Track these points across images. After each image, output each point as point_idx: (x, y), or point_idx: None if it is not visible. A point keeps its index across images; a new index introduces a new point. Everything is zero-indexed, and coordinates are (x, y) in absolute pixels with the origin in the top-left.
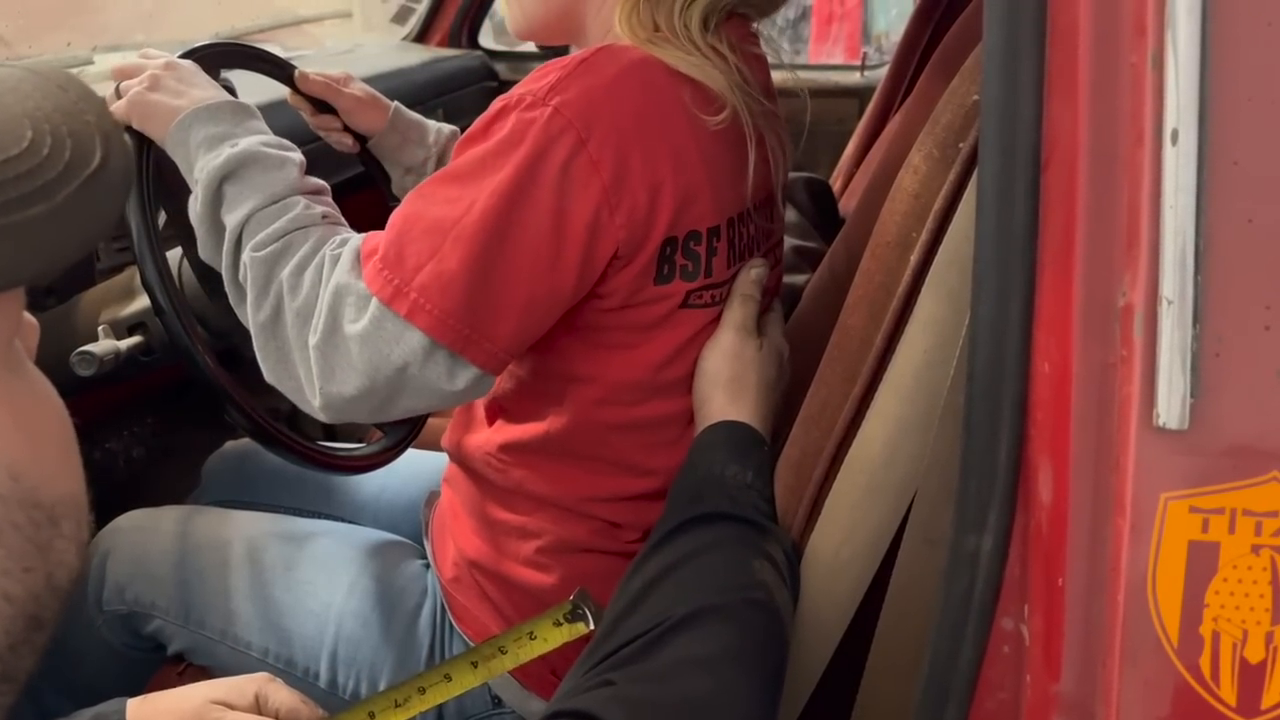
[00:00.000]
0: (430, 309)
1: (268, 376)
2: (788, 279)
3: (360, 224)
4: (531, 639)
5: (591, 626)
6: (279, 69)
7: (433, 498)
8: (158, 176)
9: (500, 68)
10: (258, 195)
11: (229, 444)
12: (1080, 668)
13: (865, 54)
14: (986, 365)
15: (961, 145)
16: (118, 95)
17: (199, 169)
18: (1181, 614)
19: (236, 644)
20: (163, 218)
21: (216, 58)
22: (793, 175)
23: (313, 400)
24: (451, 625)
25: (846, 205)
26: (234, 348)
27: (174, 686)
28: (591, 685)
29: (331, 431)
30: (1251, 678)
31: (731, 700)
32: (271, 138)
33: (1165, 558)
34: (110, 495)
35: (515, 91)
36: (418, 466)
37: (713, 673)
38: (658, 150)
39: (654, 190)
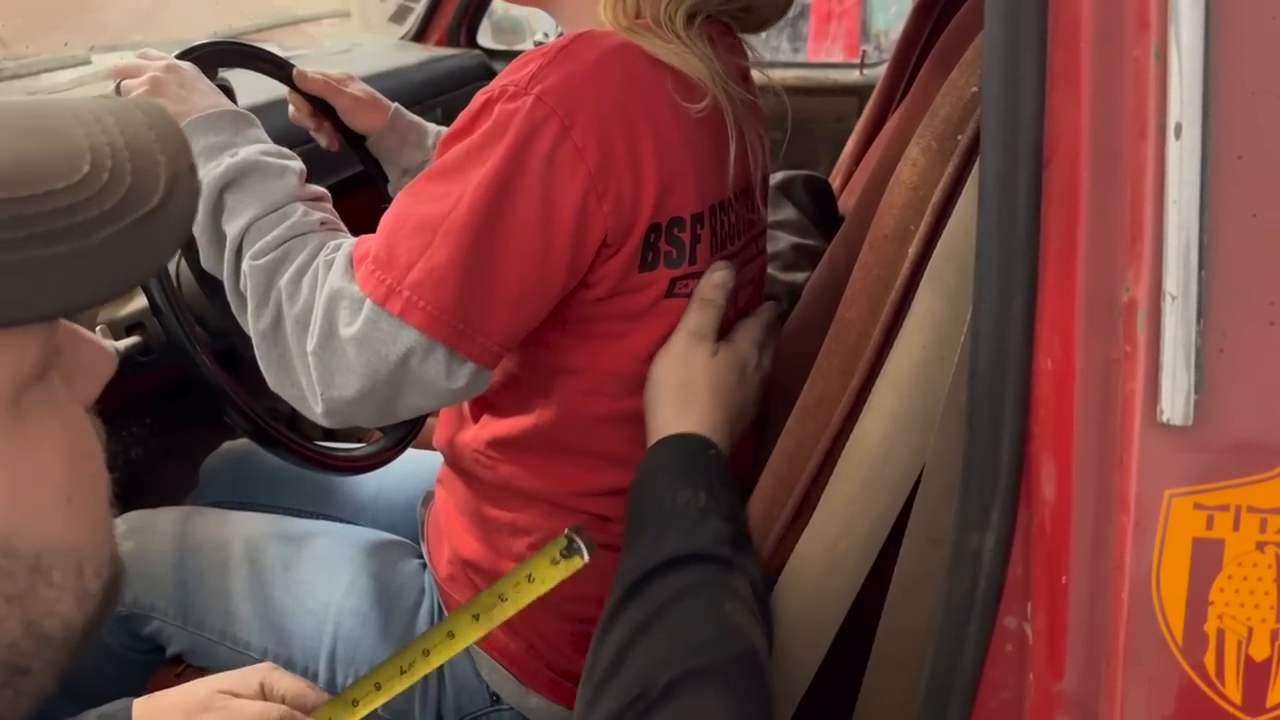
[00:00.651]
0: (424, 306)
1: (271, 384)
2: (787, 276)
3: (358, 224)
4: (530, 581)
5: (586, 559)
6: (278, 68)
7: (428, 498)
8: None
9: (499, 67)
10: (257, 204)
11: (227, 444)
12: (1084, 666)
13: (864, 52)
14: (989, 363)
15: (960, 137)
16: (118, 95)
17: (200, 179)
18: (1186, 612)
19: (236, 644)
20: None
21: (215, 57)
22: (792, 173)
23: (315, 406)
24: None
25: (846, 203)
26: (233, 348)
27: (173, 687)
28: None
29: (331, 432)
30: (1257, 675)
31: None
32: (271, 146)
33: (1169, 555)
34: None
35: (496, 83)
36: (414, 466)
37: None
38: (641, 135)
39: (638, 175)
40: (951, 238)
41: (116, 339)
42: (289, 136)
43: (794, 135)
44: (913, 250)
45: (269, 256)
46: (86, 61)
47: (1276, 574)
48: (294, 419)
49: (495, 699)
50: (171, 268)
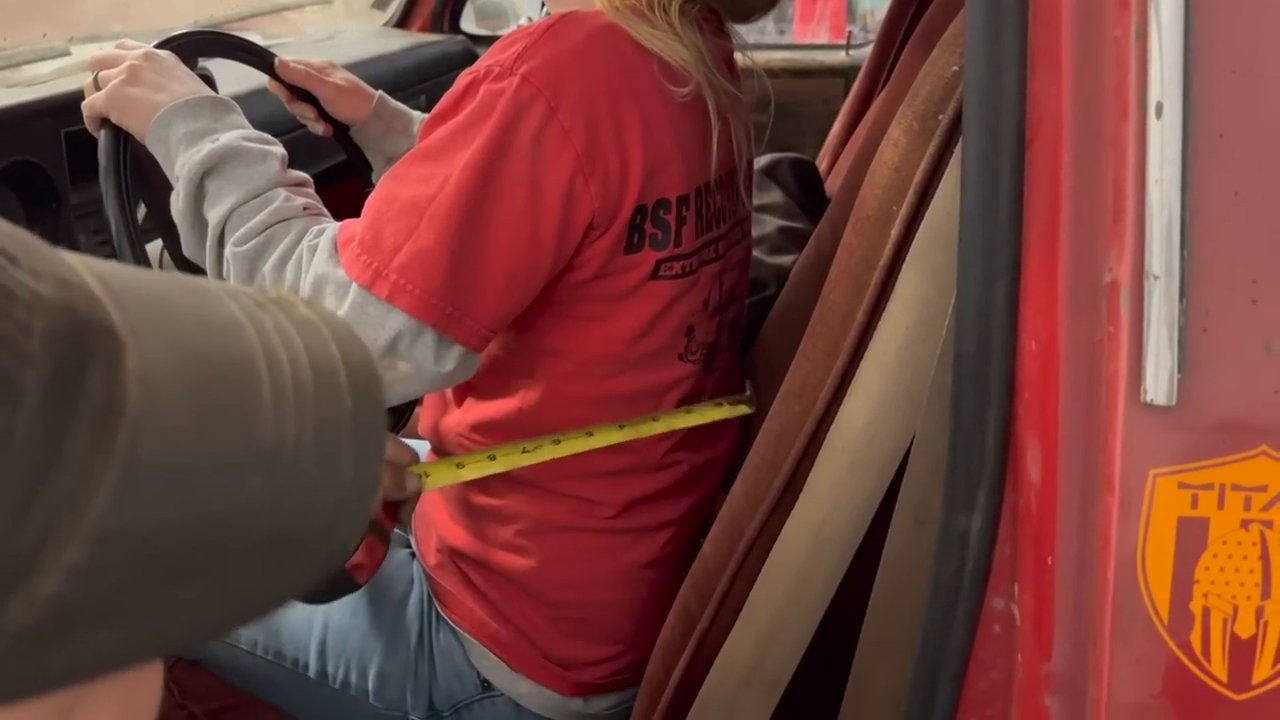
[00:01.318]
0: (412, 289)
1: None
2: (774, 260)
3: (342, 213)
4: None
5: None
6: (259, 58)
7: None
8: (136, 169)
9: (483, 52)
10: (239, 190)
11: None
12: (1071, 646)
13: (850, 33)
14: (973, 345)
15: (941, 117)
16: (96, 87)
17: (180, 165)
18: (1171, 590)
19: (225, 637)
20: (142, 210)
21: (195, 47)
22: (778, 156)
23: None
24: (438, 613)
25: (833, 185)
26: None
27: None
28: None
29: None
30: (1242, 653)
31: None
32: (252, 132)
33: (1155, 534)
34: None
35: (482, 63)
36: None
37: None
38: (628, 116)
39: (625, 157)
40: (935, 218)
41: None
42: (271, 126)
43: (780, 118)
44: (895, 231)
45: (252, 243)
46: (66, 53)
47: (1261, 551)
48: None
49: (486, 685)
50: (154, 260)
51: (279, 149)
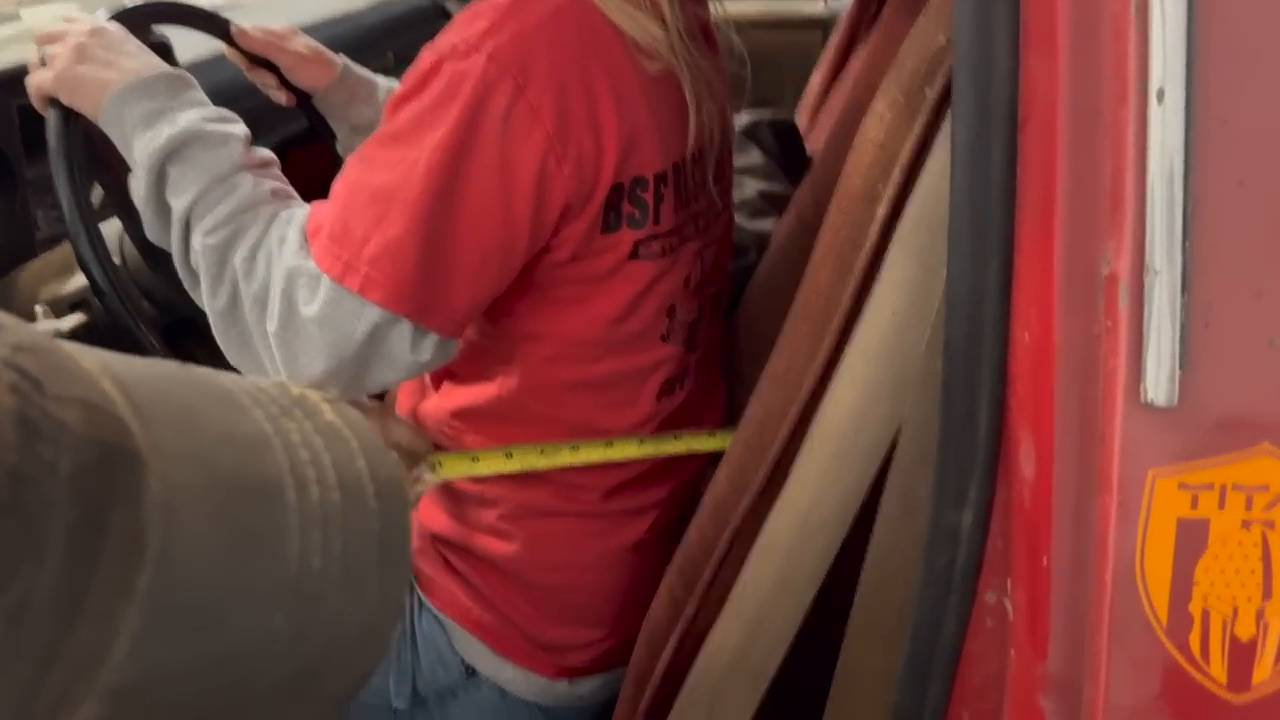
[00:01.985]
0: (383, 281)
1: (232, 361)
2: (754, 225)
3: (307, 181)
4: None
5: None
6: (215, 25)
7: None
8: (89, 148)
9: (454, 8)
10: (203, 176)
11: None
12: (1067, 647)
13: None
14: (963, 334)
15: (928, 91)
16: (42, 64)
17: (139, 149)
18: (1170, 592)
19: None
20: (97, 190)
21: (145, 18)
22: (758, 117)
23: None
24: (420, 599)
25: (813, 143)
26: (183, 319)
27: None
28: None
29: None
30: (1242, 655)
31: None
32: (212, 110)
33: (1154, 535)
34: None
35: (445, 40)
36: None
37: None
38: (599, 91)
39: (599, 134)
40: (922, 198)
41: (59, 316)
42: (232, 92)
43: (757, 70)
44: (881, 211)
45: (221, 234)
46: (16, 17)
47: (1262, 553)
48: None
49: (470, 671)
50: (113, 242)
51: (241, 128)
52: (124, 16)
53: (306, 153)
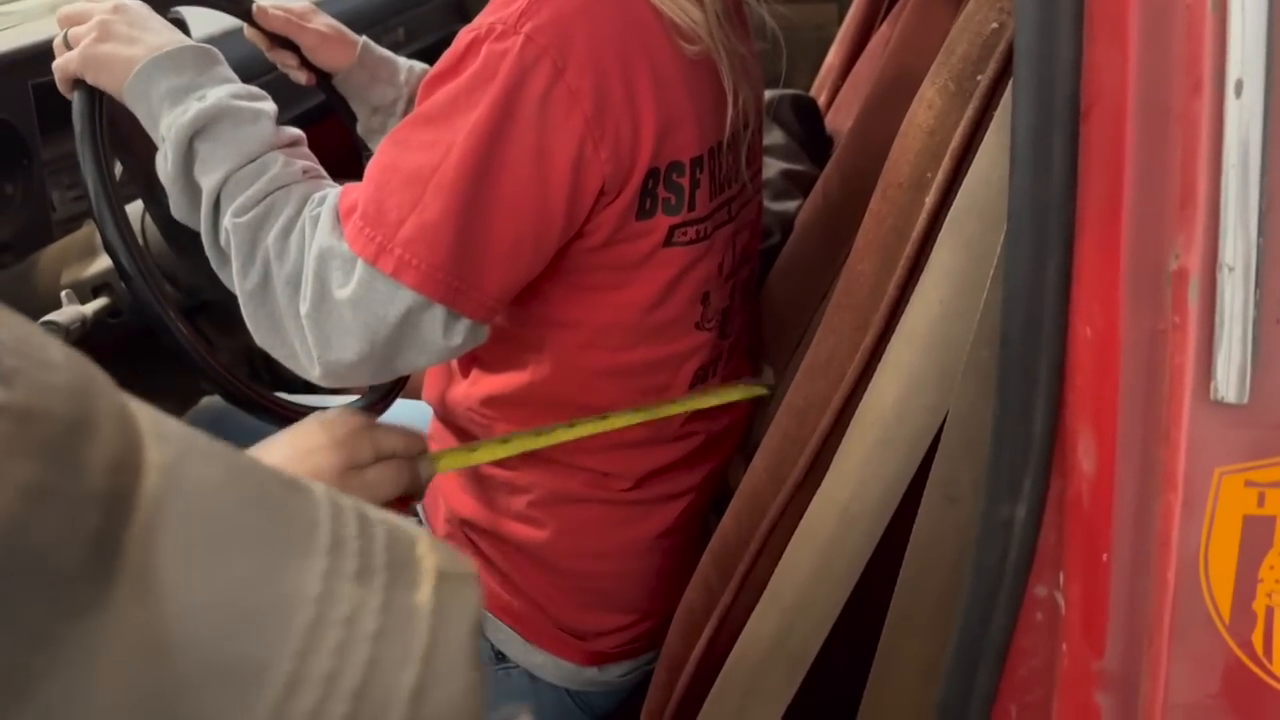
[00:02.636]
0: (417, 264)
1: (260, 342)
2: (778, 206)
3: (326, 155)
4: None
5: None
6: (235, 3)
7: None
8: (112, 127)
9: None
10: (233, 155)
11: (205, 401)
12: (1125, 644)
13: None
14: (1021, 327)
15: (980, 78)
16: (67, 46)
17: (165, 125)
18: (1234, 590)
19: None
20: (118, 169)
21: None
22: (778, 93)
23: (311, 369)
24: None
25: (833, 121)
26: (206, 303)
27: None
28: None
29: (312, 386)
30: None
31: None
32: (240, 87)
33: (1219, 533)
34: None
35: (484, 20)
36: (404, 420)
37: None
38: (638, 74)
39: (636, 118)
40: (972, 187)
41: (82, 302)
42: (249, 68)
43: (773, 46)
44: (930, 200)
45: (252, 213)
46: None
47: None
48: (272, 371)
49: (500, 657)
50: (135, 223)
51: (270, 105)
52: None
53: (318, 130)
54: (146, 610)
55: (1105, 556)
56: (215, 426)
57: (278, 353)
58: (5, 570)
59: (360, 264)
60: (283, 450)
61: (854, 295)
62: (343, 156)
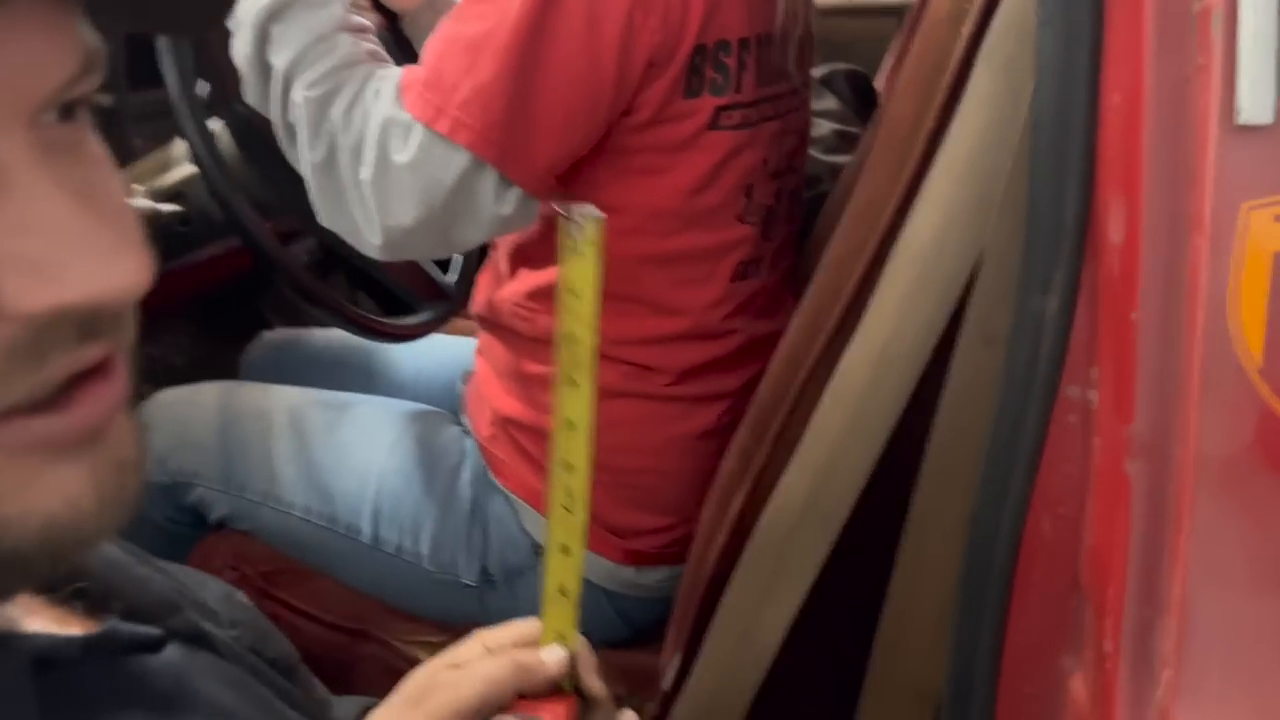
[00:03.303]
0: (472, 124)
1: (324, 220)
2: (829, 158)
3: None
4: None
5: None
6: None
7: (468, 375)
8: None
9: None
10: (305, 34)
11: (267, 334)
12: (1154, 406)
13: None
14: (1053, 108)
15: None
16: None
17: (244, 9)
18: (1266, 331)
19: (279, 505)
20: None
21: None
22: (834, 67)
23: (372, 239)
24: (491, 480)
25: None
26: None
27: (216, 553)
28: None
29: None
30: None
31: None
32: None
33: (1248, 273)
34: None
35: None
36: (453, 351)
37: None
38: None
39: None
40: (1010, 6)
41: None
42: None
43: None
44: (966, 29)
45: (320, 88)
46: None
47: None
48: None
49: (538, 550)
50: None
51: None
52: None
53: None
54: None
55: (1133, 315)
56: (276, 355)
57: (341, 227)
58: None
59: (419, 128)
60: None
61: (893, 137)
62: None
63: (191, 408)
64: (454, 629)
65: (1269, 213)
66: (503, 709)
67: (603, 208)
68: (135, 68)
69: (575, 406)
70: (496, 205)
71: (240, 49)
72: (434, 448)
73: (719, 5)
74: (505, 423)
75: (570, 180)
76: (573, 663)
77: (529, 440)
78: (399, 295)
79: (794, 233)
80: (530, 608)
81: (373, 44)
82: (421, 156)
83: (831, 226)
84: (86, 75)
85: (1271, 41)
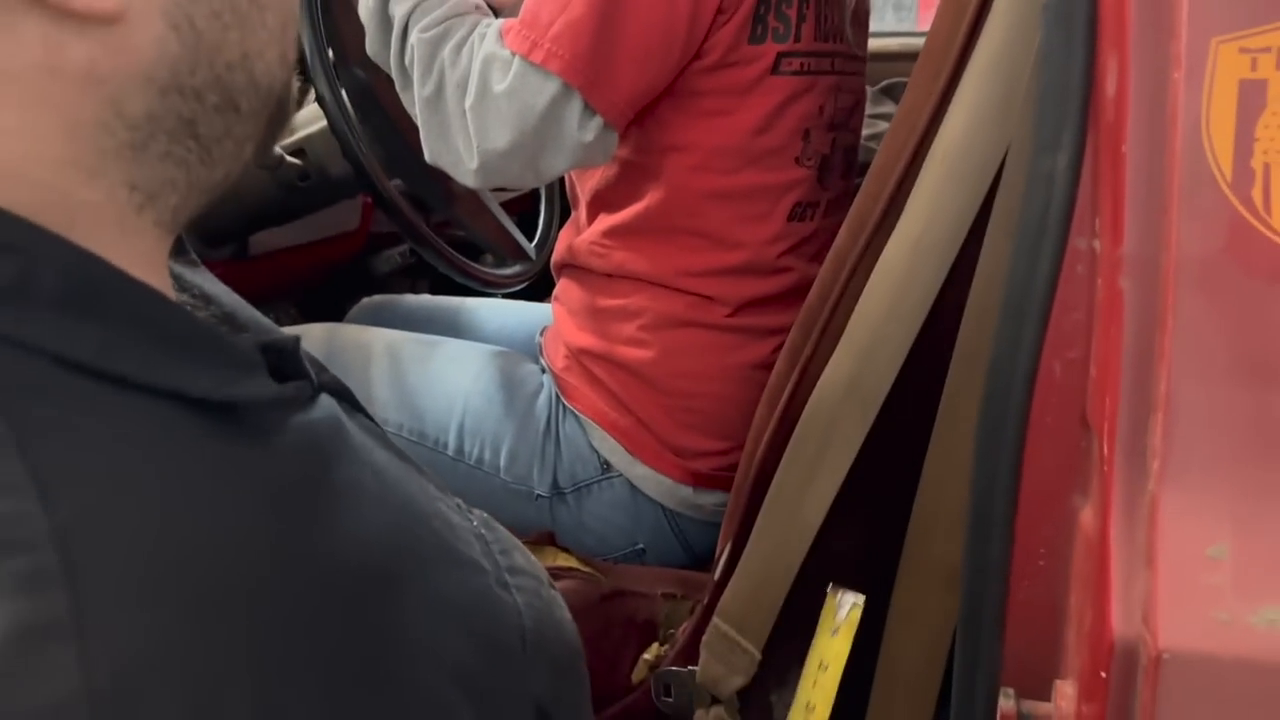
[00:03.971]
0: (562, 54)
1: (429, 154)
2: None
3: None
4: (823, 669)
5: (860, 602)
6: None
7: (545, 329)
8: (325, 7)
9: None
10: None
11: (365, 299)
12: (1142, 224)
13: None
14: None
15: None
16: None
17: None
18: (1234, 149)
19: None
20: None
21: None
22: (895, 79)
23: (470, 164)
24: (565, 404)
25: None
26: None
27: None
28: None
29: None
30: None
31: None
32: None
33: (1218, 98)
34: None
35: None
36: (531, 311)
37: None
38: None
39: None
40: None
41: (274, 168)
42: None
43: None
44: None
45: (433, 31)
46: None
47: None
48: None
49: (606, 466)
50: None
51: None
52: None
53: None
54: None
55: (1124, 148)
56: (374, 314)
57: (443, 160)
58: None
59: (516, 60)
60: None
61: (931, 52)
62: None
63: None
64: (524, 538)
65: (1234, 45)
66: None
67: (673, 147)
68: None
69: None
70: (580, 132)
71: (366, 4)
72: (514, 377)
73: None
74: (579, 353)
75: (645, 122)
76: None
77: (600, 368)
78: (491, 252)
79: (849, 189)
80: (594, 521)
81: (479, 1)
82: (517, 84)
83: None
84: None
85: None
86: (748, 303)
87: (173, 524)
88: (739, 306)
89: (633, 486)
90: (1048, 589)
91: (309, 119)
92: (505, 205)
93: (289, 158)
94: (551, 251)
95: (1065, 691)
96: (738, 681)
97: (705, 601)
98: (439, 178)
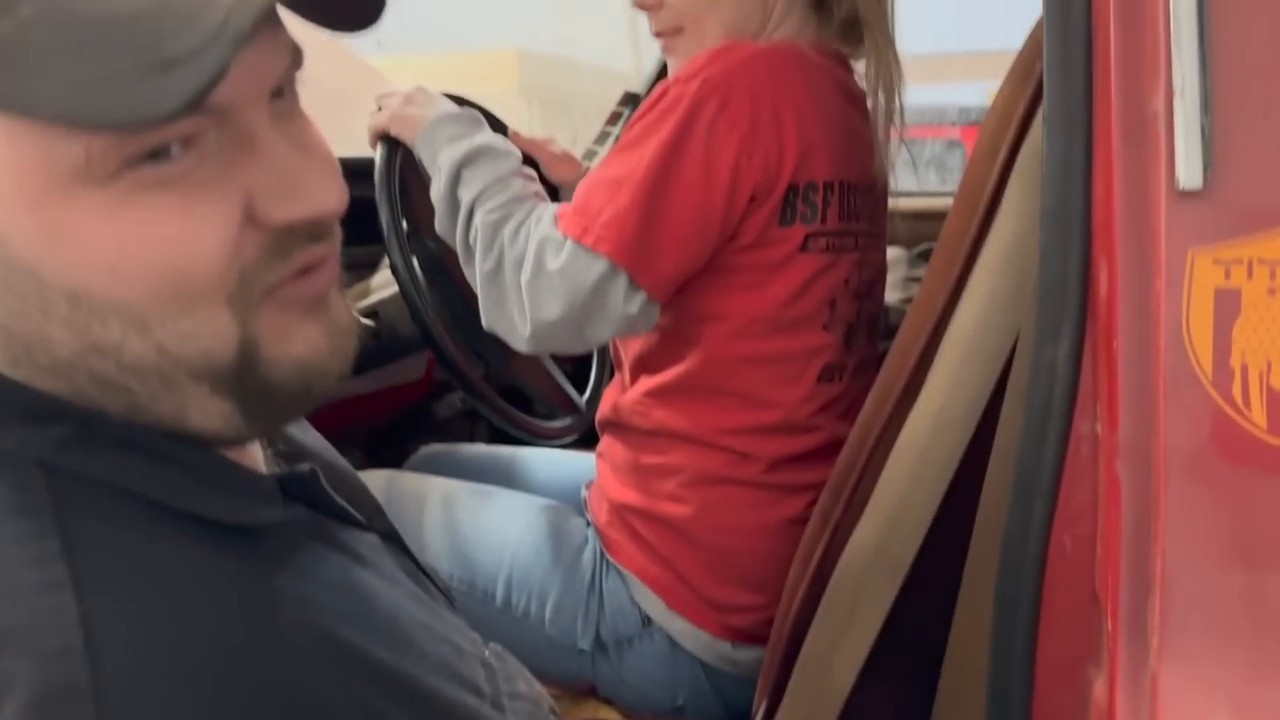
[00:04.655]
0: (611, 239)
1: (486, 322)
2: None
3: None
4: None
5: None
6: (497, 126)
7: (590, 483)
8: (401, 186)
9: None
10: (488, 177)
11: (424, 448)
12: (1134, 414)
13: None
14: (1058, 196)
15: (1038, 65)
16: (379, 110)
17: (443, 158)
18: (1214, 350)
19: None
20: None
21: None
22: (930, 245)
23: (523, 331)
24: (608, 560)
25: None
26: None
27: None
28: None
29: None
30: (1278, 402)
31: None
32: (498, 138)
33: (1196, 305)
34: None
35: (672, 76)
36: (578, 463)
37: None
38: (785, 110)
39: (782, 141)
40: (1034, 139)
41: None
42: None
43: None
44: (1002, 156)
45: (496, 214)
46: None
47: None
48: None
49: (646, 621)
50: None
51: (518, 151)
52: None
53: None
54: None
55: (1115, 344)
56: (431, 465)
57: (499, 327)
58: None
59: (569, 242)
60: None
61: (946, 244)
62: None
63: None
64: (567, 690)
65: (1209, 256)
66: None
67: (711, 315)
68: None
69: None
70: (625, 305)
71: (437, 187)
72: (561, 531)
73: (808, 155)
74: (622, 509)
75: (686, 294)
76: None
77: (641, 524)
78: (543, 408)
79: (875, 353)
80: (634, 676)
81: (539, 188)
82: (569, 263)
83: None
84: (294, 65)
85: (1197, 126)
86: (781, 459)
87: (184, 613)
88: (773, 463)
89: (672, 642)
90: None
91: (383, 284)
92: (558, 359)
93: (363, 319)
94: (598, 401)
95: None
96: None
97: None
98: (498, 338)
